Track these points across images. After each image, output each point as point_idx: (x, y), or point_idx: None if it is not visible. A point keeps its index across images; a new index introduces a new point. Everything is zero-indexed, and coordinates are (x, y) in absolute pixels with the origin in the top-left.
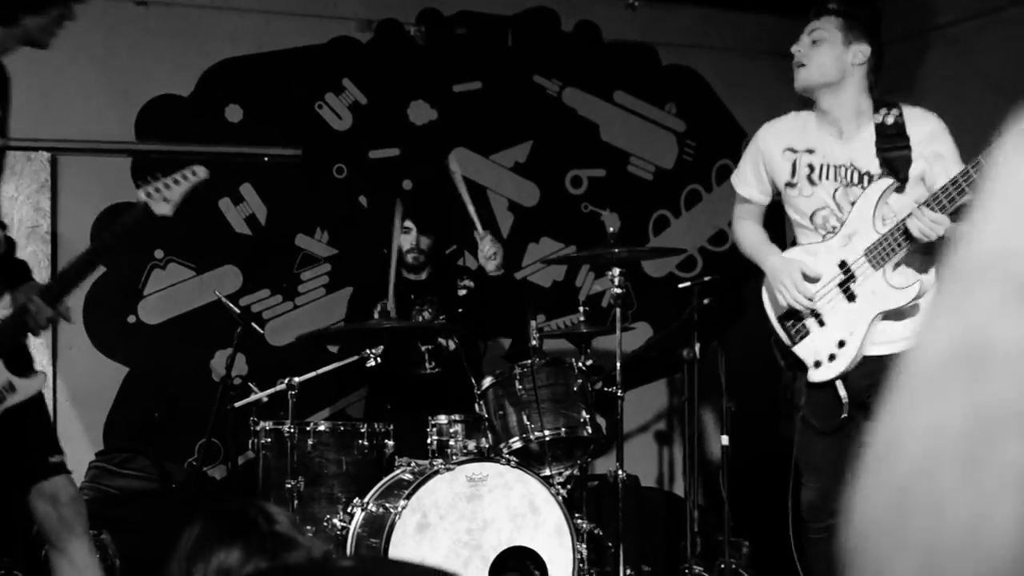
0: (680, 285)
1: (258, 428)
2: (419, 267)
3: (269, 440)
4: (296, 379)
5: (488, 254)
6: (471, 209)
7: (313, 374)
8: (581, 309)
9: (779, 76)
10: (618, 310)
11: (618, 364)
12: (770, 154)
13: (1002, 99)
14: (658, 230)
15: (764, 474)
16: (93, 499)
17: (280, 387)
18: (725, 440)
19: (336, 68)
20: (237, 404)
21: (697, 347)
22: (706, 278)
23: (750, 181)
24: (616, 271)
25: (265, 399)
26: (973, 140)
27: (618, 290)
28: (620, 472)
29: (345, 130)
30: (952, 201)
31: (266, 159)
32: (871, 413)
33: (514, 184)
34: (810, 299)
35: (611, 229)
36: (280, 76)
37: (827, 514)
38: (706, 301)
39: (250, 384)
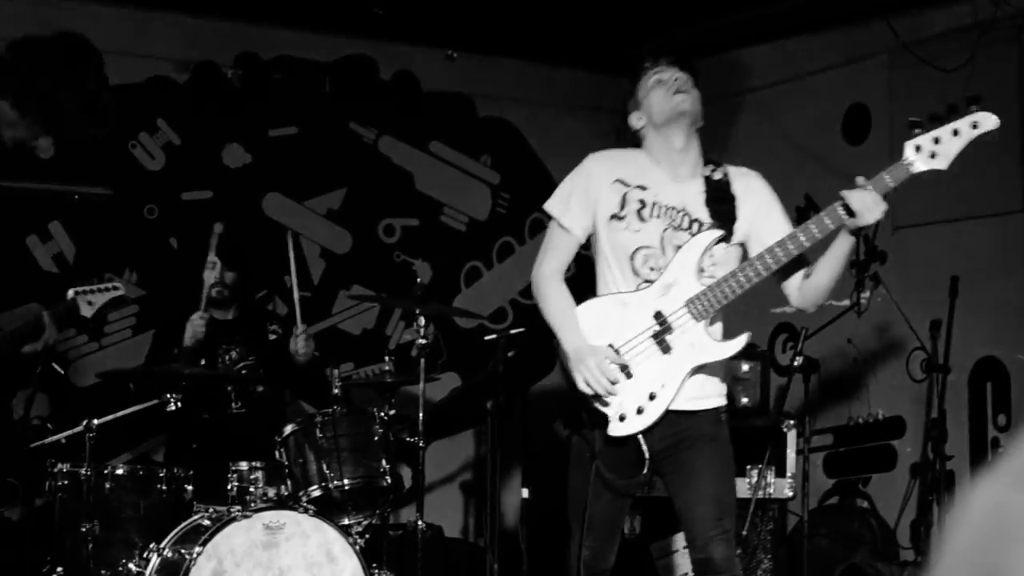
0: (487, 337)
1: (55, 470)
2: (224, 303)
3: (66, 483)
4: (95, 421)
5: (302, 349)
6: (296, 298)
7: (112, 417)
8: (387, 358)
9: (593, 131)
10: (423, 360)
11: (420, 415)
12: (599, 183)
13: (805, 158)
14: (470, 281)
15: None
16: None
17: (78, 429)
18: (525, 492)
19: (151, 108)
20: (33, 444)
21: (501, 399)
22: (512, 331)
23: (573, 210)
24: (422, 321)
25: (63, 440)
26: (779, 196)
27: (423, 340)
28: (420, 522)
29: (158, 170)
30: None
31: (76, 197)
32: (666, 470)
33: (327, 230)
34: (614, 383)
35: (419, 280)
36: None
37: (599, 573)
38: (511, 353)
39: (48, 425)
